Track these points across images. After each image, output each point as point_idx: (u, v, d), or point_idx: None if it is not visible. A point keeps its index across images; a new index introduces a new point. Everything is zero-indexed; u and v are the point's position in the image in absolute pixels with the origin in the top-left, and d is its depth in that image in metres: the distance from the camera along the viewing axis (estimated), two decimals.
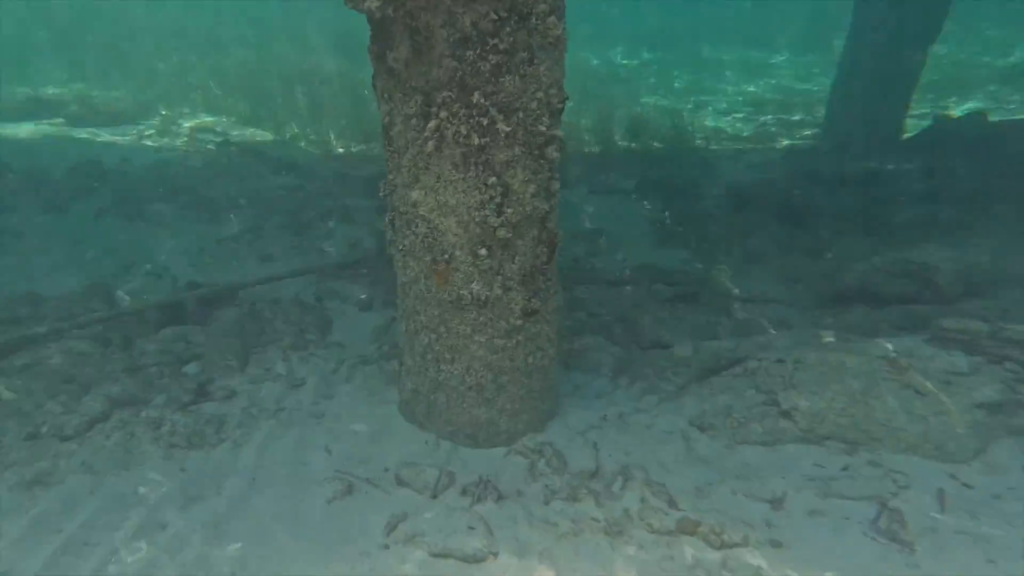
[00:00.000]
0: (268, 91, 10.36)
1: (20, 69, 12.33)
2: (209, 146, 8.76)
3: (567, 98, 2.28)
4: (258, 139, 9.30)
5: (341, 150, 8.92)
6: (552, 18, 2.01)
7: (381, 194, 2.61)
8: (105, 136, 9.19)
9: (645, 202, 6.33)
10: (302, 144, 9.10)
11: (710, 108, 12.34)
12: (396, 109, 2.30)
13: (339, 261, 5.18)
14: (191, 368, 3.48)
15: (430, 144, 2.23)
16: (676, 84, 15.08)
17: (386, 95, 2.30)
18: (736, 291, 4.46)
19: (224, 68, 11.96)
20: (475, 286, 2.44)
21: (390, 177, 2.52)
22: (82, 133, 9.20)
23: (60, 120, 9.54)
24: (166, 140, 9.18)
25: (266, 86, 10.55)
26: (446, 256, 2.40)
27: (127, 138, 9.18)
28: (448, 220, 2.35)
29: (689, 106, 12.30)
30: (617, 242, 5.46)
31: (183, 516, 2.36)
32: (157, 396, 3.11)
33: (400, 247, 2.61)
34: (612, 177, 7.22)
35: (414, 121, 2.23)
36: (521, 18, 1.96)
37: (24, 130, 9.21)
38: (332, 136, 9.25)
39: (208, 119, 10.33)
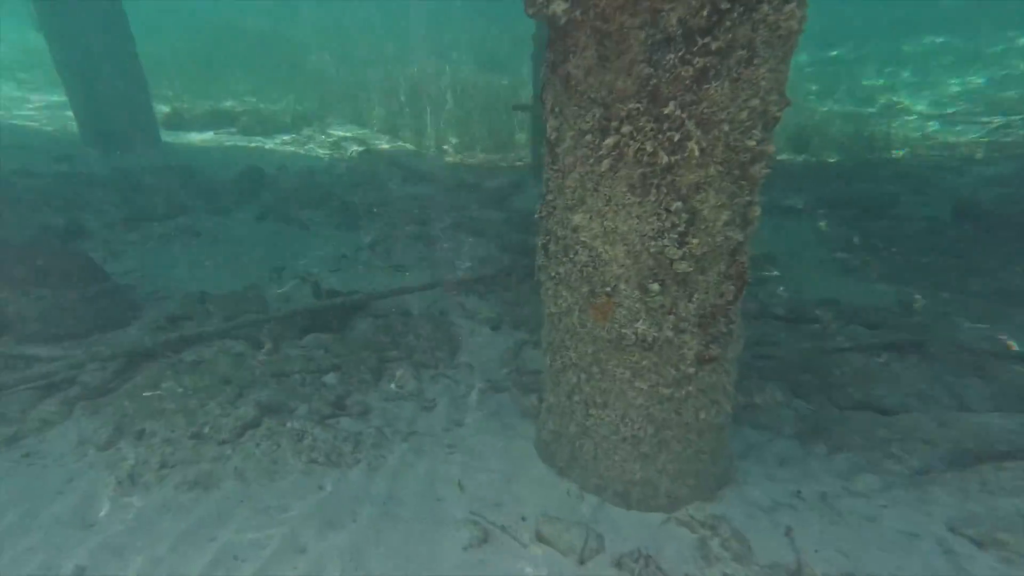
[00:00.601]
0: (406, 102, 11.00)
1: (205, 84, 14.47)
2: (352, 155, 9.47)
3: (789, 103, 1.88)
4: (395, 148, 9.88)
5: (472, 161, 9.14)
6: (791, 5, 1.64)
7: (537, 216, 2.41)
8: (268, 144, 10.39)
9: (823, 222, 5.49)
10: (434, 154, 9.48)
11: (916, 111, 10.56)
12: (567, 124, 2.07)
13: (469, 276, 5.16)
14: (330, 378, 3.59)
15: (604, 163, 1.97)
16: (865, 82, 13.22)
17: (556, 108, 2.08)
18: (999, 340, 3.46)
19: (369, 80, 12.98)
20: (641, 325, 2.12)
21: (549, 198, 2.31)
22: (250, 142, 10.49)
23: (233, 129, 10.99)
24: (317, 149, 10.13)
25: (404, 97, 11.22)
26: (608, 289, 2.12)
27: (285, 147, 10.27)
28: (615, 249, 2.07)
29: (873, 109, 10.68)
30: (789, 269, 4.76)
31: (321, 542, 2.34)
32: (300, 406, 3.22)
33: (552, 274, 2.38)
34: (776, 194, 6.43)
35: (588, 137, 1.99)
36: (747, 9, 1.62)
37: (204, 138, 10.73)
38: (464, 146, 9.53)
39: (353, 129, 11.24)
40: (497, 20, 16.56)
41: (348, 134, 10.92)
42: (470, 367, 3.85)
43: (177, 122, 11.02)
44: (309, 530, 2.39)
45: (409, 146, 9.95)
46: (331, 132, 11.08)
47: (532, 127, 8.32)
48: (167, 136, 10.26)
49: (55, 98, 12.35)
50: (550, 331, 2.49)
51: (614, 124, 1.90)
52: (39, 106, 12.16)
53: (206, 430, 2.89)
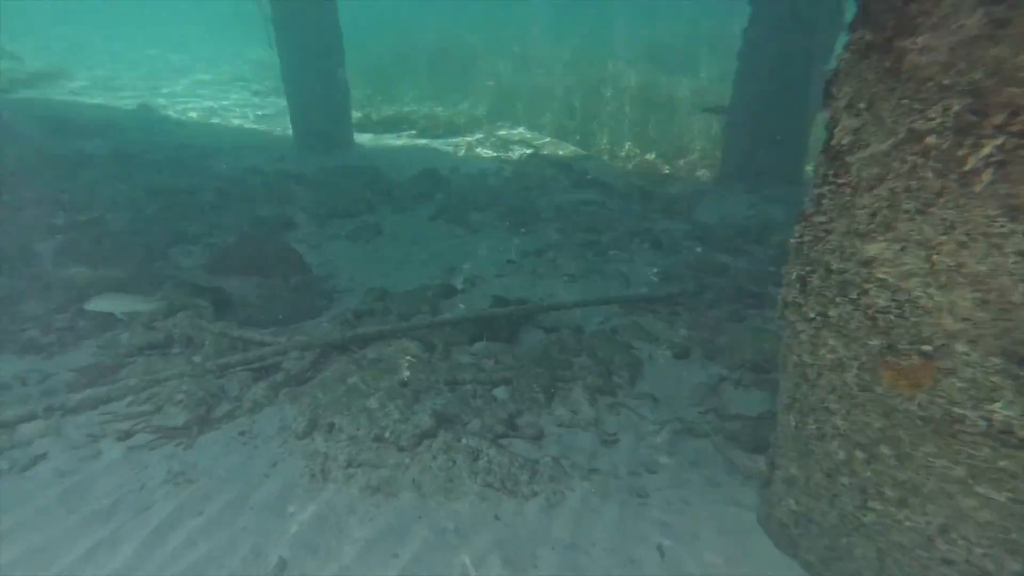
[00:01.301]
0: (577, 105, 10.90)
1: (388, 90, 16.07)
2: (521, 157, 9.62)
3: None
4: (565, 152, 9.81)
5: (648, 166, 8.67)
6: None
7: (796, 239, 1.94)
8: (443, 147, 11.09)
9: None
10: (607, 158, 9.19)
11: None
12: (881, 122, 1.57)
13: (650, 294, 4.73)
14: (501, 393, 3.48)
15: (961, 177, 1.44)
16: None
17: (863, 103, 1.61)
18: None
19: (541, 83, 13.19)
20: (1003, 410, 1.52)
21: (820, 219, 1.82)
22: (427, 144, 11.31)
23: (413, 132, 11.98)
24: (487, 151, 10.52)
25: (576, 100, 11.12)
26: (927, 348, 1.57)
27: (458, 149, 10.86)
28: (953, 295, 1.51)
29: None
30: None
31: None
32: (473, 419, 3.15)
33: (812, 316, 1.89)
34: None
35: (931, 139, 1.48)
36: None
37: (388, 141, 11.84)
38: (635, 151, 9.09)
39: (523, 131, 11.50)
40: (673, 20, 15.79)
41: (517, 137, 11.18)
42: (653, 399, 3.46)
43: (366, 125, 12.35)
44: (490, 569, 2.24)
45: (579, 150, 9.82)
46: (500, 135, 11.45)
47: (725, 131, 7.61)
48: (357, 138, 11.55)
49: (281, 104, 14.76)
50: (799, 385, 1.99)
51: (994, 121, 1.37)
52: (267, 112, 14.60)
53: (387, 435, 2.94)
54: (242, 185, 7.91)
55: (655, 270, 5.28)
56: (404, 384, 3.49)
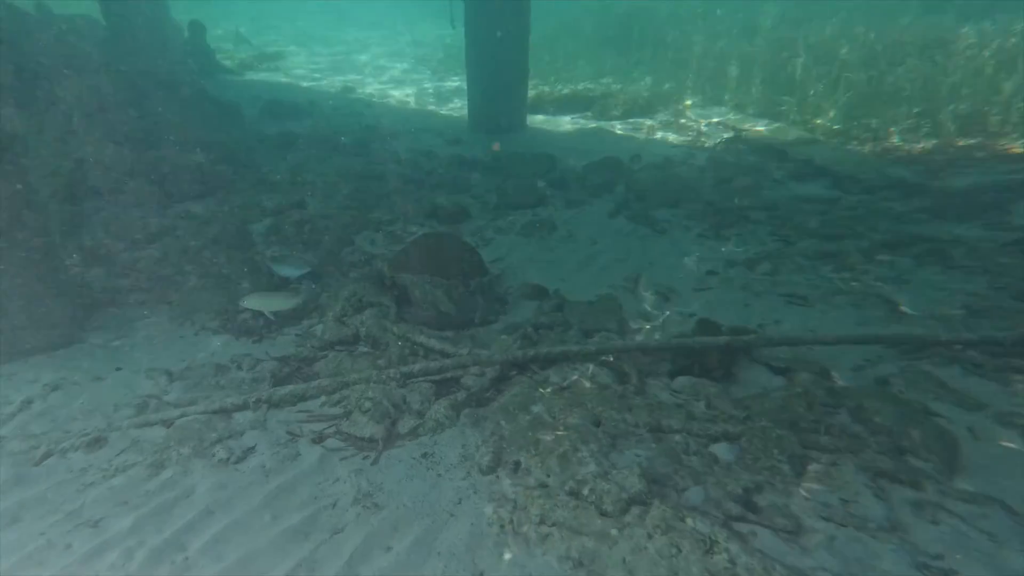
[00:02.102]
0: (794, 77, 9.46)
1: (565, 67, 15.75)
2: (717, 142, 8.67)
3: None
4: (775, 134, 8.61)
5: (909, 150, 7.12)
6: None
7: None
8: (622, 130, 10.51)
9: None
10: (838, 141, 7.81)
11: None
12: None
13: (949, 336, 3.69)
14: (722, 450, 2.96)
15: None
16: None
17: None
18: None
19: (744, 54, 11.79)
20: None
21: None
22: (604, 126, 10.82)
23: (588, 113, 11.55)
24: (675, 135, 9.71)
25: (791, 72, 9.67)
26: None
27: (638, 133, 10.20)
28: None
29: None
30: None
31: None
32: (692, 486, 2.69)
33: None
34: None
35: None
36: None
37: (562, 123, 11.59)
38: (891, 130, 7.53)
39: (721, 111, 10.40)
40: None
41: (714, 118, 10.12)
42: (988, 503, 2.58)
43: (538, 105, 12.22)
44: None
45: (797, 131, 8.50)
46: (691, 116, 10.48)
47: None
48: (530, 120, 11.49)
49: (458, 83, 15.43)
50: None
51: None
52: (445, 93, 15.34)
53: (585, 491, 2.64)
54: (419, 170, 8.27)
55: (952, 297, 4.16)
56: (596, 422, 3.18)
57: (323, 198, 6.80)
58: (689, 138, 9.23)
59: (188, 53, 13.96)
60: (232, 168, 7.24)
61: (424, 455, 3.05)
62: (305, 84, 15.72)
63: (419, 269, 4.43)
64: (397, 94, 15.25)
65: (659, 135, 9.77)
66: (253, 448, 3.03)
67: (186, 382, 3.52)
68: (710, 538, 2.30)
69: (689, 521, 2.39)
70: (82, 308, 4.07)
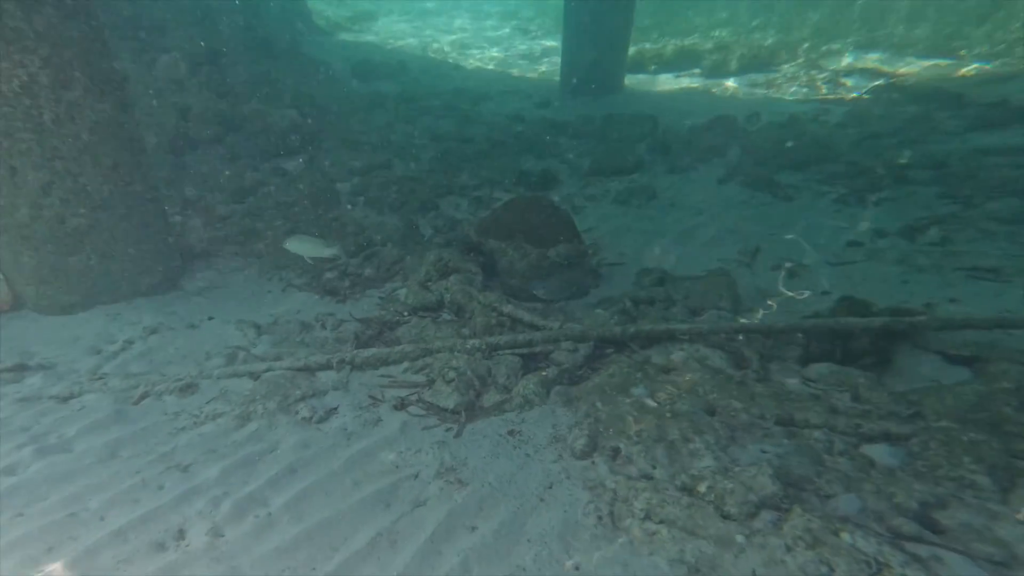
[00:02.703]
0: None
1: (672, 20, 14.74)
2: (860, 93, 7.74)
3: None
4: (945, 77, 7.47)
5: None
6: None
7: None
8: (738, 86, 9.68)
9: None
10: None
11: None
12: None
13: None
14: (880, 453, 2.52)
15: None
16: None
17: None
18: None
19: None
20: None
21: None
22: (716, 85, 10.03)
23: (697, 71, 10.74)
24: (805, 89, 8.79)
25: None
26: None
27: (757, 88, 9.35)
28: None
29: None
30: None
31: None
32: (842, 493, 2.31)
33: None
34: None
35: None
36: None
37: (665, 82, 10.89)
38: None
39: (867, 56, 9.26)
40: None
41: (858, 64, 9.02)
42: None
43: (639, 64, 11.56)
44: None
45: (977, 70, 7.33)
46: (826, 65, 9.42)
47: None
48: (631, 79, 10.89)
49: (549, 43, 14.98)
50: None
51: None
52: (537, 54, 14.96)
53: (701, 488, 2.37)
54: (506, 133, 8.06)
55: None
56: (710, 411, 2.88)
57: (410, 160, 6.78)
58: (823, 92, 8.31)
59: (289, 12, 14.45)
60: (323, 126, 7.38)
61: (510, 432, 2.89)
62: (395, 45, 15.91)
63: (507, 235, 4.25)
64: (487, 55, 15.05)
65: (784, 90, 8.89)
66: (335, 409, 3.01)
67: (273, 336, 3.58)
68: (876, 559, 1.95)
69: (845, 536, 2.05)
70: (181, 257, 4.26)
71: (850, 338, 3.17)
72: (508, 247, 4.19)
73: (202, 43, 7.31)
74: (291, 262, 4.49)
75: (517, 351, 3.46)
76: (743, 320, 3.74)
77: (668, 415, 2.84)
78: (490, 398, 3.15)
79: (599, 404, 3.05)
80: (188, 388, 2.97)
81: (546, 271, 4.19)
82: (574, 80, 10.43)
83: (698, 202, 5.87)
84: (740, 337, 3.45)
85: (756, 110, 7.80)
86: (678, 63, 11.21)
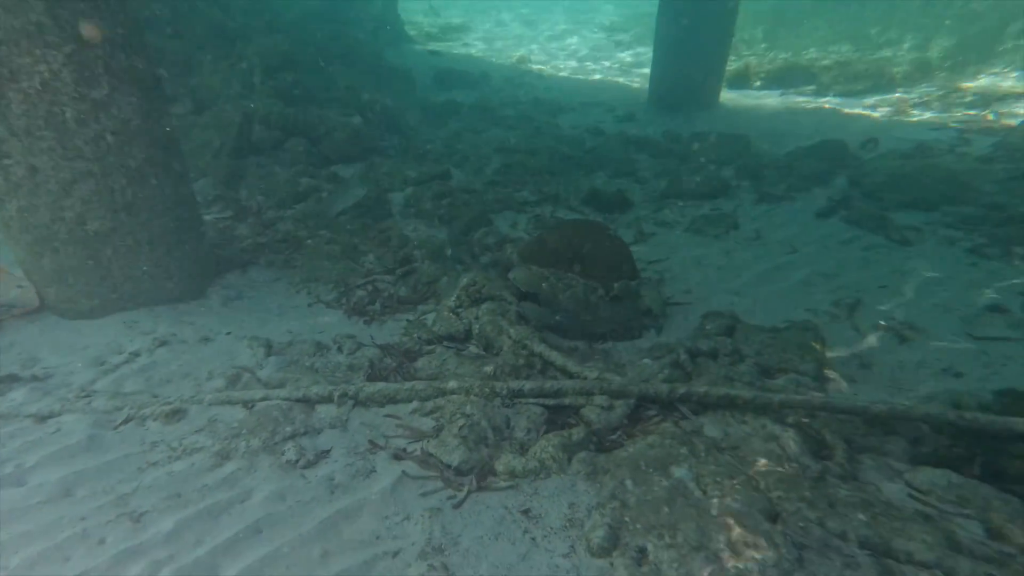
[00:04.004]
0: None
1: (783, 32, 13.65)
2: (1009, 121, 6.61)
3: None
4: None
5: None
6: None
7: None
8: (853, 108, 8.67)
9: None
10: None
11: None
12: None
13: None
14: None
15: None
16: None
17: None
18: None
19: None
20: None
21: None
22: (830, 104, 9.02)
23: (810, 88, 9.73)
24: (940, 114, 7.68)
25: None
26: None
27: (879, 110, 8.31)
28: None
29: None
30: None
31: None
32: None
33: None
34: None
35: None
36: None
37: (767, 99, 9.98)
38: None
39: (1018, 83, 8.02)
40: None
41: (1007, 89, 7.80)
42: None
43: (741, 79, 10.70)
44: None
45: None
46: (968, 86, 8.22)
47: None
48: (728, 95, 10.09)
49: (643, 54, 14.40)
50: None
51: None
52: (627, 65, 14.44)
53: None
54: (577, 147, 7.60)
55: None
56: (772, 517, 2.27)
57: (471, 171, 6.50)
58: (963, 118, 7.18)
59: (380, 22, 14.88)
60: (389, 134, 7.30)
61: (524, 511, 2.42)
62: (482, 54, 15.95)
63: (553, 262, 3.80)
64: (575, 65, 14.70)
65: (914, 115, 7.79)
66: (327, 452, 2.69)
67: (282, 358, 3.35)
68: None
69: None
70: (216, 262, 4.17)
71: (999, 442, 2.42)
72: (551, 275, 3.73)
73: (282, 49, 7.47)
74: (325, 274, 4.29)
75: (543, 401, 3.00)
76: (829, 393, 3.05)
77: (715, 512, 2.26)
78: (502, 458, 2.70)
79: (629, 483, 2.52)
80: (175, 414, 2.76)
81: (593, 306, 3.69)
82: (662, 93, 9.81)
83: (789, 237, 5.12)
84: (822, 415, 2.79)
85: (874, 135, 6.81)
86: (788, 79, 10.22)
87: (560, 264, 3.76)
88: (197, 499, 2.34)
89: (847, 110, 8.54)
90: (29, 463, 2.40)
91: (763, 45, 12.93)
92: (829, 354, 3.50)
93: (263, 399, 2.91)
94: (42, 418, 2.64)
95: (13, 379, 2.85)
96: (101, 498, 2.27)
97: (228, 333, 3.58)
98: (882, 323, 3.71)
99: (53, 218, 3.26)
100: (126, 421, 2.68)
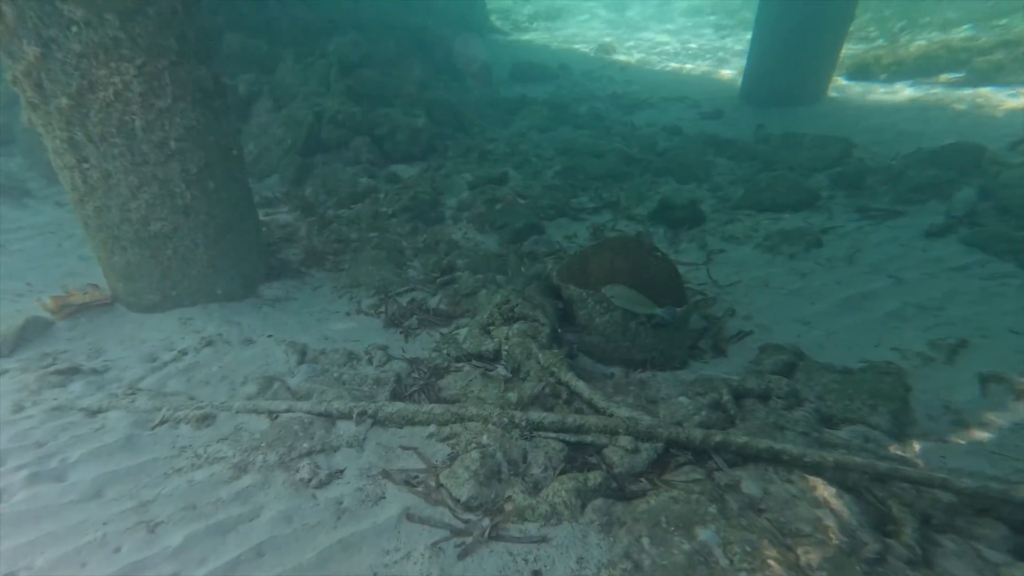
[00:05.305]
0: None
1: (918, 11, 12.23)
2: None
3: None
4: None
5: None
6: None
7: None
8: (1008, 102, 7.57)
9: None
10: None
11: None
12: None
13: None
14: None
15: None
16: None
17: None
18: None
19: None
20: None
21: None
22: (974, 96, 7.90)
23: (959, 75, 8.54)
24: None
25: None
26: None
27: None
28: None
29: None
30: None
31: None
32: None
33: None
34: None
35: None
36: None
37: (896, 93, 8.96)
38: None
39: None
40: None
41: None
42: None
43: (862, 70, 9.66)
44: None
45: None
46: None
47: None
48: (847, 86, 9.18)
49: (740, 46, 13.56)
50: None
51: None
52: (718, 51, 13.63)
53: None
54: (648, 149, 7.22)
55: None
56: None
57: (530, 174, 6.36)
58: None
59: (467, 13, 14.96)
60: (454, 132, 7.31)
61: (526, 561, 2.31)
62: (566, 44, 15.64)
63: (593, 281, 3.60)
64: (662, 55, 14.06)
65: None
66: (341, 473, 2.70)
67: (314, 366, 3.42)
68: None
69: None
70: (270, 263, 4.34)
71: None
72: (589, 297, 3.55)
73: (360, 47, 7.66)
74: (368, 279, 4.35)
75: (563, 436, 2.85)
76: (905, 456, 2.68)
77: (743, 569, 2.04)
78: (515, 497, 2.59)
79: (646, 542, 2.34)
80: (205, 419, 2.89)
81: (632, 332, 3.47)
82: (757, 86, 9.13)
83: (886, 259, 4.57)
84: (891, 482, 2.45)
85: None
86: (926, 67, 8.96)
87: (601, 285, 3.56)
88: (210, 513, 2.42)
89: (1001, 103, 7.42)
90: (72, 458, 2.59)
91: (900, 24, 11.44)
92: (914, 404, 3.08)
93: (287, 411, 2.98)
94: (92, 413, 2.85)
95: (75, 371, 3.11)
96: (126, 502, 2.41)
97: (270, 336, 3.72)
98: (987, 369, 3.21)
99: (122, 219, 3.51)
100: (162, 422, 2.83)
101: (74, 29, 2.97)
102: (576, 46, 15.39)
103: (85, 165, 3.36)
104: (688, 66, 12.82)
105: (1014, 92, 7.80)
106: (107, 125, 3.26)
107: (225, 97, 3.80)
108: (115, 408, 2.90)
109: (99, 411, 2.88)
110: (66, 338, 3.46)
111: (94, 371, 3.17)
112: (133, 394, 3.00)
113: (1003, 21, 10.19)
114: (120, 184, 3.42)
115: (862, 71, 9.49)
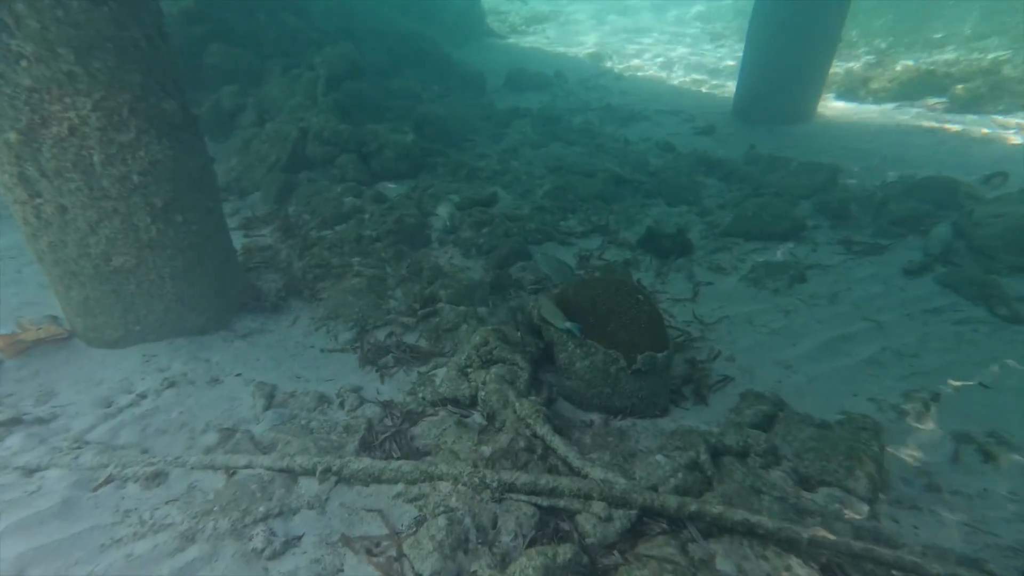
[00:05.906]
0: None
1: (908, 31, 12.06)
2: None
3: None
4: None
5: None
6: None
7: None
8: (987, 129, 7.46)
9: None
10: None
11: None
12: None
13: None
14: None
15: None
16: None
17: None
18: None
19: None
20: None
21: None
22: (954, 124, 7.82)
23: (942, 100, 8.44)
24: None
25: None
26: None
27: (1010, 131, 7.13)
28: None
29: None
30: None
31: None
32: None
33: None
34: None
35: None
36: None
37: (881, 114, 8.78)
38: None
39: None
40: None
41: None
42: None
43: (849, 90, 9.53)
44: None
45: None
46: None
47: None
48: (835, 106, 9.03)
49: (737, 58, 13.36)
50: None
51: None
52: (719, 66, 13.41)
53: None
54: (639, 168, 7.03)
55: None
56: None
57: (519, 194, 6.17)
58: None
59: (464, 18, 14.67)
60: (444, 147, 7.09)
61: None
62: (565, 50, 15.38)
63: (577, 322, 3.42)
64: (658, 65, 13.84)
65: None
66: (299, 540, 2.53)
67: (282, 412, 3.24)
68: None
69: None
70: (245, 291, 4.13)
71: None
72: (570, 340, 3.38)
73: (349, 57, 7.42)
74: (346, 311, 4.16)
75: (535, 500, 2.68)
76: (879, 525, 2.51)
77: None
78: (482, 571, 2.42)
79: None
80: (156, 477, 2.71)
81: (613, 378, 3.29)
82: (748, 103, 8.95)
83: (866, 298, 4.42)
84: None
85: (1005, 168, 5.73)
86: (913, 89, 8.89)
87: (583, 324, 3.39)
88: None
89: (979, 131, 7.29)
90: None
91: (887, 40, 11.30)
92: (889, 465, 2.93)
93: (246, 466, 2.80)
94: (29, 472, 2.66)
95: (16, 422, 2.91)
96: None
97: (238, 375, 3.53)
98: (959, 427, 3.06)
99: (80, 254, 3.31)
100: (107, 482, 2.65)
101: (23, 64, 2.75)
102: (574, 51, 15.15)
103: (38, 200, 3.16)
104: (685, 78, 12.61)
105: (990, 122, 7.68)
106: (62, 160, 3.06)
107: (195, 128, 3.59)
108: (55, 466, 2.70)
109: (37, 470, 2.68)
110: (14, 379, 3.25)
111: (39, 420, 2.97)
112: (79, 448, 2.80)
113: (984, 42, 10.05)
114: (77, 219, 3.21)
115: (850, 92, 9.35)
